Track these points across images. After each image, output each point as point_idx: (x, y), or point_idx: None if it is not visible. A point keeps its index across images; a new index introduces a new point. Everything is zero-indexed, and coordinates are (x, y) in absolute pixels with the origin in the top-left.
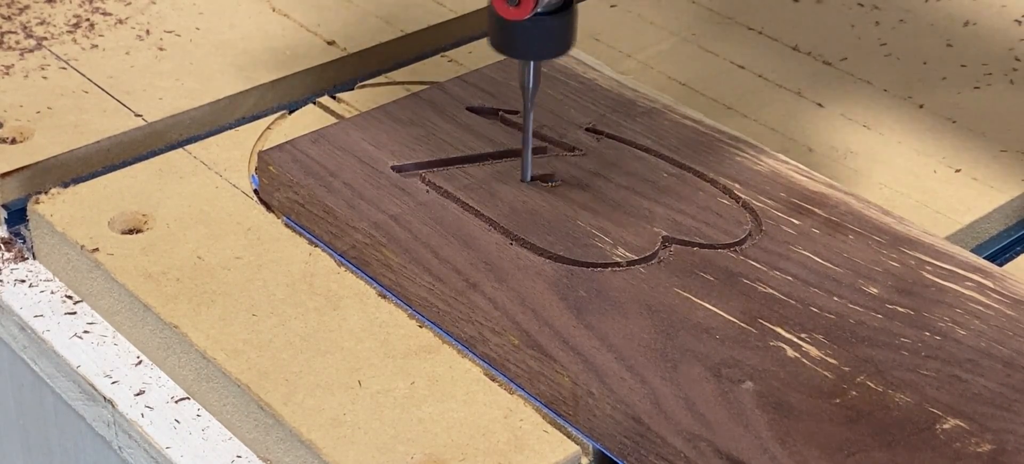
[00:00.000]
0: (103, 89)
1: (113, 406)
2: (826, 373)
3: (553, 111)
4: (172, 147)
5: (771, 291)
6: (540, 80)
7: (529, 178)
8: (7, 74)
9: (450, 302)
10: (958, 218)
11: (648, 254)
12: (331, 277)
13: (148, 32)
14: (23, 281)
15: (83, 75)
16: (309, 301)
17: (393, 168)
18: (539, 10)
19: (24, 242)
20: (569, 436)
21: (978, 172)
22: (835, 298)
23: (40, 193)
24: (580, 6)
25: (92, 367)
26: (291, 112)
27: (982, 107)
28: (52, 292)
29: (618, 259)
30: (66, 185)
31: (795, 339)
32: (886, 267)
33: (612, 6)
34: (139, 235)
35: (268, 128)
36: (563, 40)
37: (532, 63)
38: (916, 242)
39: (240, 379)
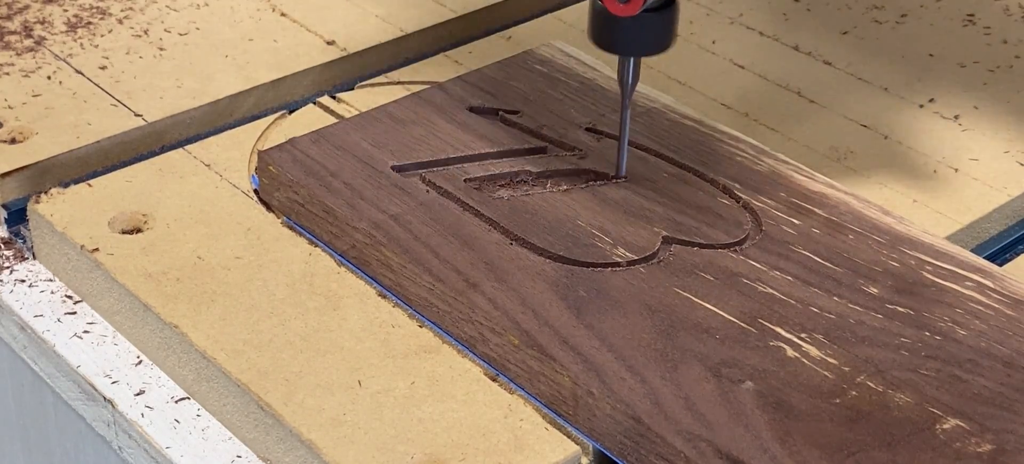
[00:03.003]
0: (103, 89)
1: (113, 406)
2: (826, 373)
3: (553, 111)
4: (172, 147)
5: (771, 291)
6: (639, 76)
7: (624, 173)
8: (7, 74)
9: (450, 302)
10: (958, 218)
11: (648, 254)
12: (331, 277)
13: (148, 32)
14: (23, 281)
15: (83, 75)
16: (309, 301)
17: (393, 168)
18: (646, 6)
19: (24, 242)
20: (569, 436)
21: (978, 172)
22: (835, 298)
23: (40, 193)
24: (578, 6)
25: (92, 367)
26: (291, 112)
27: (982, 107)
28: (52, 292)
29: (618, 259)
30: (66, 185)
31: (795, 339)
32: (886, 267)
33: None
34: (139, 235)
35: (268, 128)
36: (665, 36)
37: (632, 59)
38: (916, 242)
39: (240, 379)
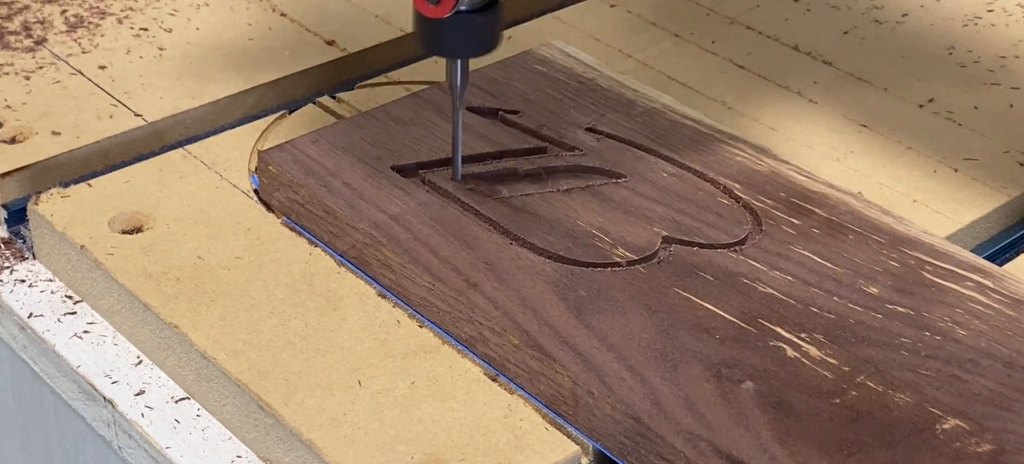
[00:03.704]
0: (103, 89)
1: (113, 406)
2: (826, 373)
3: (553, 111)
4: (172, 147)
5: (771, 291)
6: (468, 79)
7: (460, 177)
8: (7, 74)
9: (450, 302)
10: (958, 218)
11: (648, 254)
12: (331, 277)
13: (148, 32)
14: (23, 281)
15: (83, 75)
16: (309, 301)
17: (393, 168)
18: (461, 8)
19: (24, 242)
20: (569, 436)
21: (978, 172)
22: (835, 298)
23: (40, 193)
24: (580, 6)
25: (92, 367)
26: (291, 112)
27: (982, 107)
28: (52, 292)
29: (618, 259)
30: (66, 185)
31: (795, 339)
32: (886, 267)
33: (612, 6)
34: (139, 235)
35: (268, 128)
36: (487, 39)
37: (459, 62)
38: (916, 242)
39: (240, 379)
